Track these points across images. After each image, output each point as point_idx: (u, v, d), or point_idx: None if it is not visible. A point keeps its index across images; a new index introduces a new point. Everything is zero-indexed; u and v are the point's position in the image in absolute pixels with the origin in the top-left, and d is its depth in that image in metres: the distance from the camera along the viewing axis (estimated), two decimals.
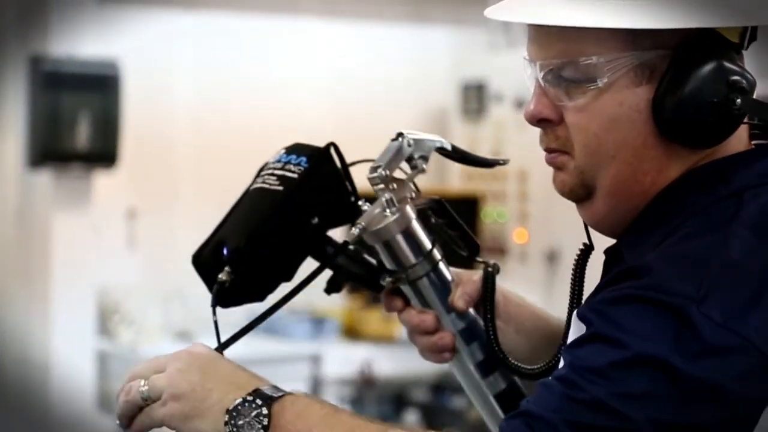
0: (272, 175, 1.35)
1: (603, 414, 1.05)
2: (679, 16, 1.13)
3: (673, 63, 1.15)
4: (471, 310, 1.41)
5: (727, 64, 1.16)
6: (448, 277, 1.41)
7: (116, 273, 5.13)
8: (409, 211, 1.37)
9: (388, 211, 1.35)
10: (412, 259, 1.37)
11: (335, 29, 5.85)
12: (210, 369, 1.21)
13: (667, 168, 1.19)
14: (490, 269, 1.41)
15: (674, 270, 1.10)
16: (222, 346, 1.32)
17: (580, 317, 1.13)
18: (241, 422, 1.15)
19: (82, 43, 4.93)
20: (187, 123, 5.40)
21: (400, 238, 1.36)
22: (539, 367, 1.39)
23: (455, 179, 6.05)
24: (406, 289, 1.40)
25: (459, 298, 1.40)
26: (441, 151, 1.41)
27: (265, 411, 1.15)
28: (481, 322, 1.41)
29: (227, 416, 1.15)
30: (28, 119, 4.92)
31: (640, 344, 1.06)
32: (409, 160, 1.38)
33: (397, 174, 1.37)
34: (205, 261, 1.35)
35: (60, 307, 4.74)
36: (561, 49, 1.18)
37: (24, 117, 4.95)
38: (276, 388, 1.20)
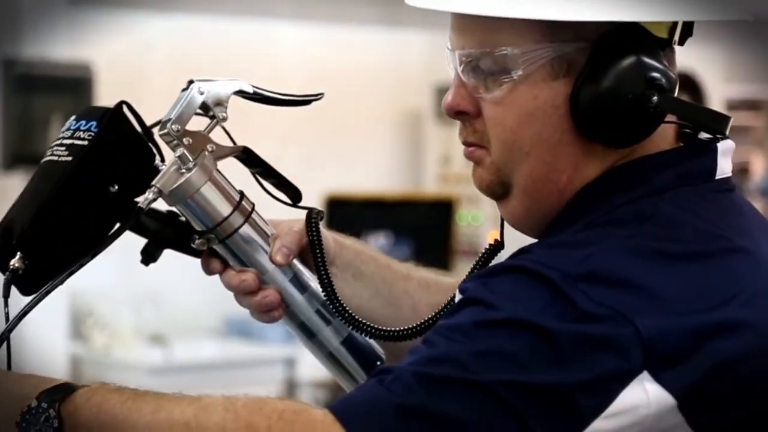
0: (61, 145, 1.23)
1: (453, 367, 1.02)
2: (597, 8, 1.09)
3: (591, 57, 1.11)
4: (296, 262, 1.31)
5: (647, 60, 1.11)
6: (265, 229, 1.29)
7: (89, 276, 5.10)
8: (208, 164, 1.23)
9: (183, 168, 1.22)
10: (217, 216, 1.24)
11: (308, 33, 5.85)
12: None
13: (585, 166, 1.14)
14: (313, 216, 1.31)
15: (556, 250, 1.08)
16: None
17: (461, 289, 1.10)
18: (35, 429, 1.08)
19: (54, 46, 4.91)
20: None
21: (200, 196, 1.23)
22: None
23: (430, 183, 6.06)
24: (220, 249, 1.28)
25: (277, 251, 1.29)
26: (241, 94, 1.29)
27: (52, 413, 1.07)
28: (306, 273, 1.31)
29: (18, 429, 1.08)
30: (1, 122, 4.90)
31: (512, 308, 1.03)
32: (205, 109, 1.26)
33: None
34: None
35: (33, 310, 4.70)
36: (478, 39, 1.14)
37: None
38: (69, 385, 1.11)
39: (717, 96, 6.78)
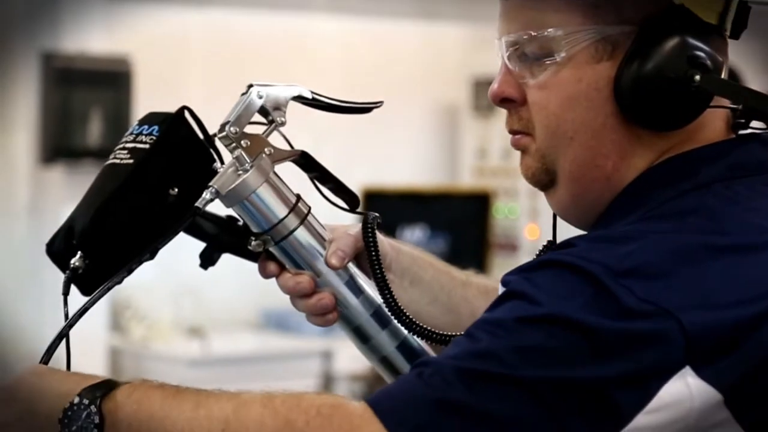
0: (124, 149, 1.26)
1: (493, 363, 1.01)
2: None
3: (635, 39, 1.10)
4: (352, 266, 1.31)
5: (690, 40, 1.10)
6: (321, 232, 1.30)
7: None
8: (265, 166, 1.24)
9: (240, 169, 1.23)
10: (273, 218, 1.25)
11: (344, 25, 5.85)
12: (34, 389, 1.13)
13: (632, 154, 1.13)
14: (370, 221, 1.32)
15: (598, 245, 1.07)
16: (59, 338, 1.21)
17: (503, 281, 1.10)
18: (74, 428, 1.09)
19: (92, 39, 4.94)
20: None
21: (256, 197, 1.24)
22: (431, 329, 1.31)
23: (466, 176, 6.05)
24: (276, 251, 1.28)
25: (332, 254, 1.29)
26: (300, 100, 1.30)
27: (93, 409, 1.08)
28: (362, 277, 1.32)
29: (60, 426, 1.09)
30: (40, 116, 4.93)
31: (553, 304, 1.02)
32: (264, 114, 1.27)
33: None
34: (58, 248, 1.25)
35: (74, 302, 4.74)
36: (522, 23, 1.15)
37: (36, 113, 4.96)
38: (111, 382, 1.12)
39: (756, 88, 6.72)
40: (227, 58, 5.58)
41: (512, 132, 1.19)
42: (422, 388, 1.02)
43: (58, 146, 4.87)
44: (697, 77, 1.09)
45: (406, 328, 1.31)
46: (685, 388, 1.02)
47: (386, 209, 6.13)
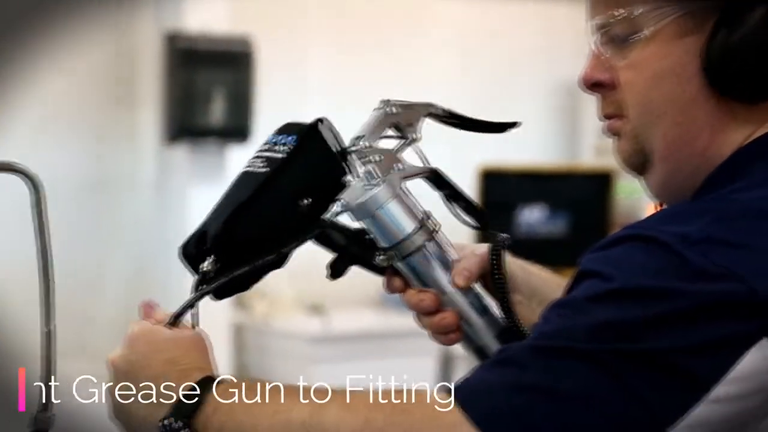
0: (259, 157, 1.28)
1: (565, 342, 1.01)
2: None
3: (722, 10, 1.09)
4: (477, 286, 1.32)
5: None
6: (448, 250, 1.30)
7: None
8: (395, 182, 1.25)
9: (370, 183, 1.24)
10: (400, 233, 1.27)
11: (460, 6, 5.83)
12: (134, 378, 1.17)
13: (724, 128, 1.12)
14: (498, 241, 1.31)
15: (673, 217, 1.06)
16: (175, 318, 1.26)
17: (578, 263, 1.09)
18: None
19: (215, 20, 5.01)
20: (319, 98, 5.45)
21: (385, 211, 1.25)
22: None
23: (587, 155, 5.98)
24: (401, 266, 1.30)
25: (458, 273, 1.30)
26: (433, 117, 1.31)
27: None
28: (487, 298, 1.32)
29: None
30: (165, 95, 5.03)
31: (625, 277, 1.02)
32: (398, 129, 1.28)
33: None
34: (191, 252, 1.28)
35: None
36: (608, 4, 1.14)
37: (160, 93, 5.06)
38: (202, 389, 1.14)
39: None
40: (346, 38, 5.60)
41: (605, 116, 1.19)
42: (499, 372, 1.04)
43: (182, 125, 4.96)
44: None
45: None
46: (763, 360, 1.00)
47: (505, 189, 6.07)
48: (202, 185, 4.95)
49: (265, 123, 5.04)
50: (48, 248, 1.22)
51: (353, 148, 1.26)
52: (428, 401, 1.05)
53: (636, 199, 5.74)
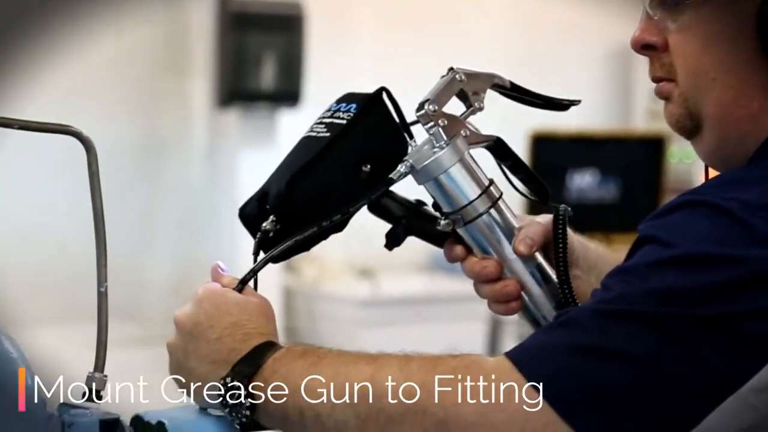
0: (321, 123, 1.30)
1: (625, 305, 1.02)
2: None
3: None
4: (539, 255, 1.32)
5: None
6: (511, 218, 1.31)
7: None
8: (461, 145, 1.26)
9: (436, 146, 1.25)
10: (464, 198, 1.27)
11: None
12: (198, 337, 1.19)
13: None
14: (561, 213, 1.31)
15: (734, 184, 1.05)
16: (242, 283, 1.29)
17: (638, 229, 1.09)
18: (229, 403, 1.14)
19: None
20: (369, 63, 5.44)
21: (449, 175, 1.26)
22: None
23: (639, 119, 5.93)
24: (463, 232, 1.30)
25: (521, 241, 1.29)
26: (497, 88, 1.31)
27: (244, 392, 1.14)
28: (549, 269, 1.32)
29: (216, 398, 1.15)
30: (216, 59, 5.04)
31: (687, 244, 1.02)
32: (463, 98, 1.29)
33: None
34: (251, 212, 1.31)
35: (248, 243, 4.86)
36: None
37: (211, 58, 5.07)
38: (258, 355, 1.16)
39: None
40: (397, 3, 5.58)
41: (655, 79, 1.18)
42: (557, 335, 1.04)
43: (233, 90, 4.97)
44: None
45: None
46: None
47: (556, 153, 6.03)
48: (253, 150, 4.97)
49: (316, 87, 5.05)
50: (101, 210, 1.23)
51: (419, 112, 1.26)
52: (486, 366, 1.05)
53: (688, 164, 5.68)
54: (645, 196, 5.49)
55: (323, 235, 1.28)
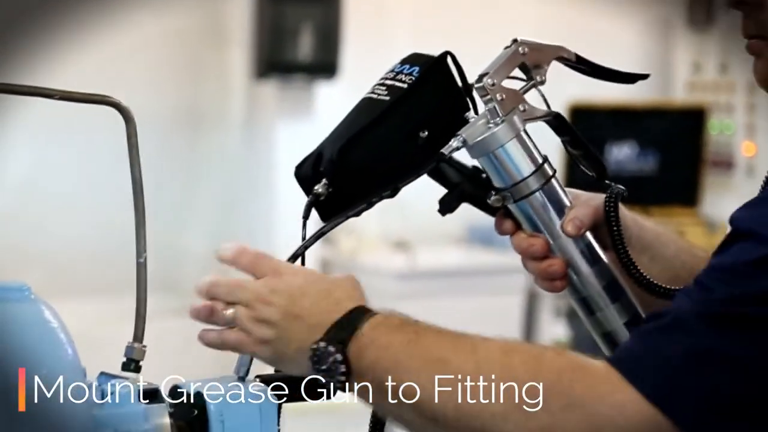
0: (382, 85, 1.27)
1: (737, 308, 0.99)
2: None
3: None
4: (589, 236, 1.29)
5: None
6: (563, 196, 1.29)
7: None
8: (517, 122, 1.24)
9: (491, 122, 1.23)
10: (516, 175, 1.25)
11: None
12: (292, 309, 1.16)
13: None
14: (614, 193, 1.29)
15: None
16: (293, 257, 1.28)
17: (731, 219, 1.06)
18: (324, 368, 1.12)
19: None
20: (407, 36, 5.42)
21: (503, 152, 1.24)
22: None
23: (679, 90, 5.88)
24: (514, 208, 1.29)
25: (569, 222, 1.27)
26: (563, 61, 1.29)
27: (339, 357, 1.12)
28: (598, 249, 1.30)
29: (310, 362, 1.13)
30: (253, 31, 5.04)
31: None
32: (525, 70, 1.26)
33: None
34: (305, 173, 1.28)
35: (284, 214, 4.88)
36: None
37: (249, 29, 5.07)
38: (354, 320, 1.14)
39: None
40: None
41: (747, 36, 1.16)
42: (668, 342, 1.00)
43: (271, 61, 4.97)
44: None
45: (655, 295, 1.28)
46: None
47: (595, 125, 6.00)
48: (290, 121, 4.98)
49: (353, 59, 5.04)
50: (140, 180, 1.24)
51: (477, 85, 1.24)
52: (593, 372, 1.02)
53: (729, 136, 5.63)
54: (684, 169, 5.45)
55: (374, 203, 1.27)
